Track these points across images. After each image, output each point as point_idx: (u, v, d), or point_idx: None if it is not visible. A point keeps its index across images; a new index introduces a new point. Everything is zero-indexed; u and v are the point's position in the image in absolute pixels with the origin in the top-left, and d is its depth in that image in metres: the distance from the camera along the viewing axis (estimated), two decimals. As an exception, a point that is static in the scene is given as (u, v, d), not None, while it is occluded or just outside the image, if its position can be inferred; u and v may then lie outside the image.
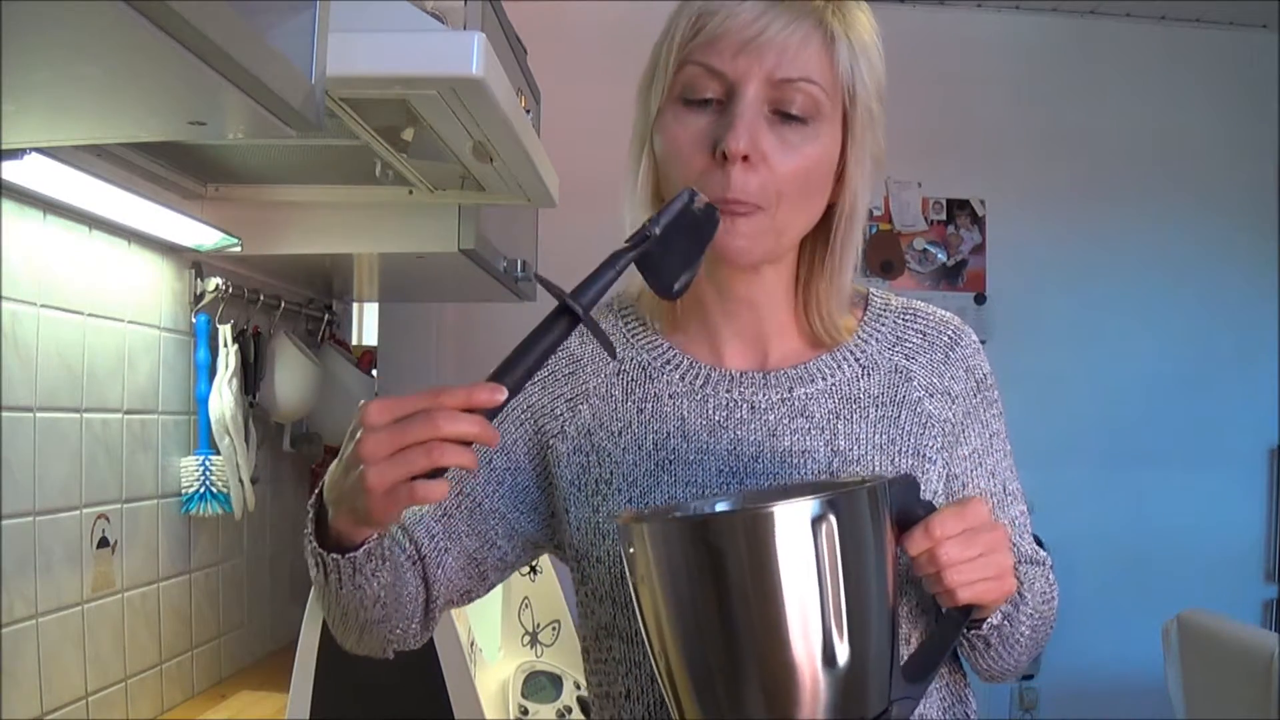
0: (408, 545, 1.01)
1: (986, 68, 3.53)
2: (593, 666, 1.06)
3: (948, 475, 1.01)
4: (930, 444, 1.00)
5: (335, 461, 0.84)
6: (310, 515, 0.90)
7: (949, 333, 1.05)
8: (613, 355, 0.93)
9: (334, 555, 0.87)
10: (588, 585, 1.01)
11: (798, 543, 0.73)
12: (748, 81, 0.91)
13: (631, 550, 0.78)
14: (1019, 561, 0.99)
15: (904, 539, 0.81)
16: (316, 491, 0.89)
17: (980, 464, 1.03)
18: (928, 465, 0.99)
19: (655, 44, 0.97)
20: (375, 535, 0.88)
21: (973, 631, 0.95)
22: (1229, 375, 3.52)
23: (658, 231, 0.83)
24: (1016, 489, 1.07)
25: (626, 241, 0.84)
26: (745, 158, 0.90)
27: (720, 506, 0.90)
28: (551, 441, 1.03)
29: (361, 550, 0.87)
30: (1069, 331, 3.49)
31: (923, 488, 0.97)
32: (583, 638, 1.07)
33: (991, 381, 1.06)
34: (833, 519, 0.73)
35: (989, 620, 0.94)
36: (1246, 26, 3.54)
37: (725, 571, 0.74)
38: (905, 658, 0.86)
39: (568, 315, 0.81)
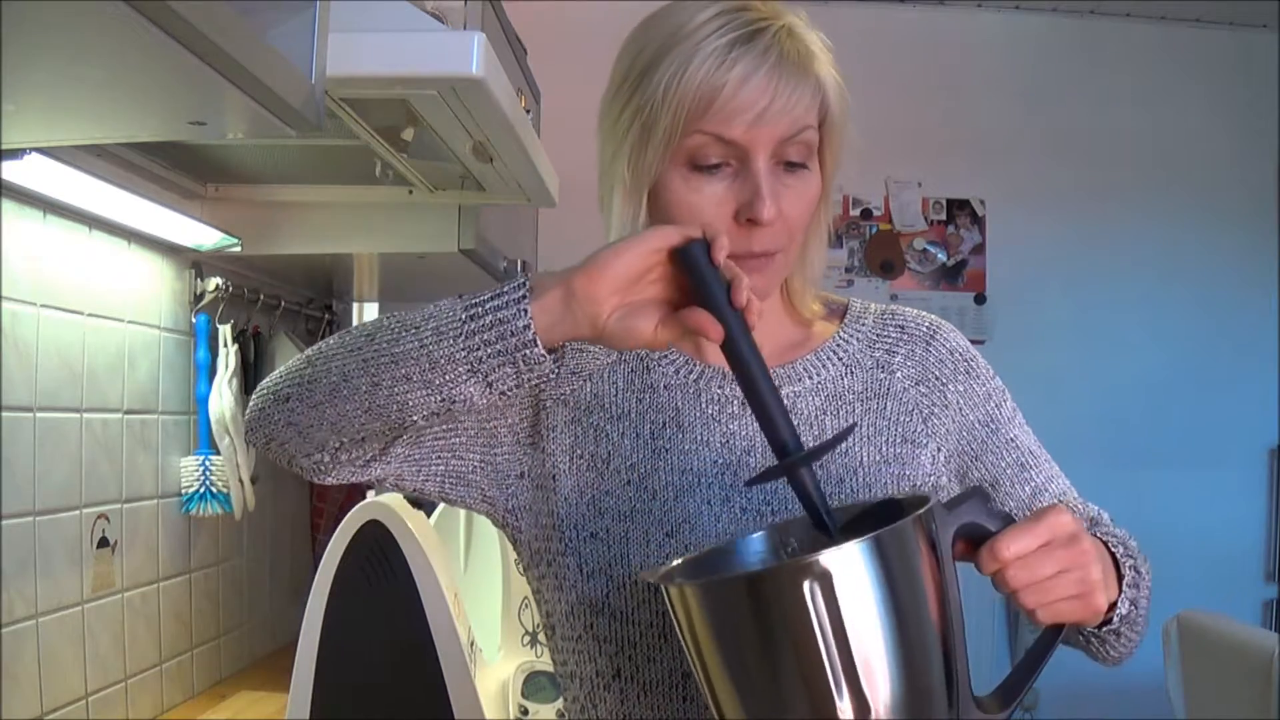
0: None
1: (986, 68, 3.52)
2: (561, 645, 1.04)
3: (956, 454, 1.03)
4: (919, 428, 1.02)
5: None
6: (522, 286, 0.84)
7: (926, 324, 1.08)
8: (756, 481, 0.87)
9: (532, 332, 0.83)
10: (573, 558, 1.00)
11: (846, 586, 0.69)
12: (761, 149, 0.92)
13: (672, 609, 0.76)
14: (1091, 524, 0.92)
15: (976, 559, 0.78)
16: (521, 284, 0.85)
17: (992, 434, 1.05)
18: (917, 450, 1.02)
19: (634, 106, 0.94)
20: (557, 355, 0.86)
21: (1105, 629, 0.91)
22: (1229, 375, 3.52)
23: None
24: (1042, 452, 1.07)
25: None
26: None
27: (755, 539, 0.87)
28: (549, 404, 1.03)
29: (552, 356, 0.85)
30: (1069, 331, 3.49)
31: (910, 474, 1.00)
32: (548, 615, 1.06)
33: (982, 362, 1.08)
34: (875, 559, 0.70)
35: (1118, 611, 0.89)
36: (1246, 26, 3.54)
37: (767, 624, 0.71)
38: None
39: (783, 449, 0.80)
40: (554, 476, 1.02)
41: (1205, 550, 3.42)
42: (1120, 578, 0.90)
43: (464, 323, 0.85)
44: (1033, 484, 1.04)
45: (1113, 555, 0.90)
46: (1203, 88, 3.54)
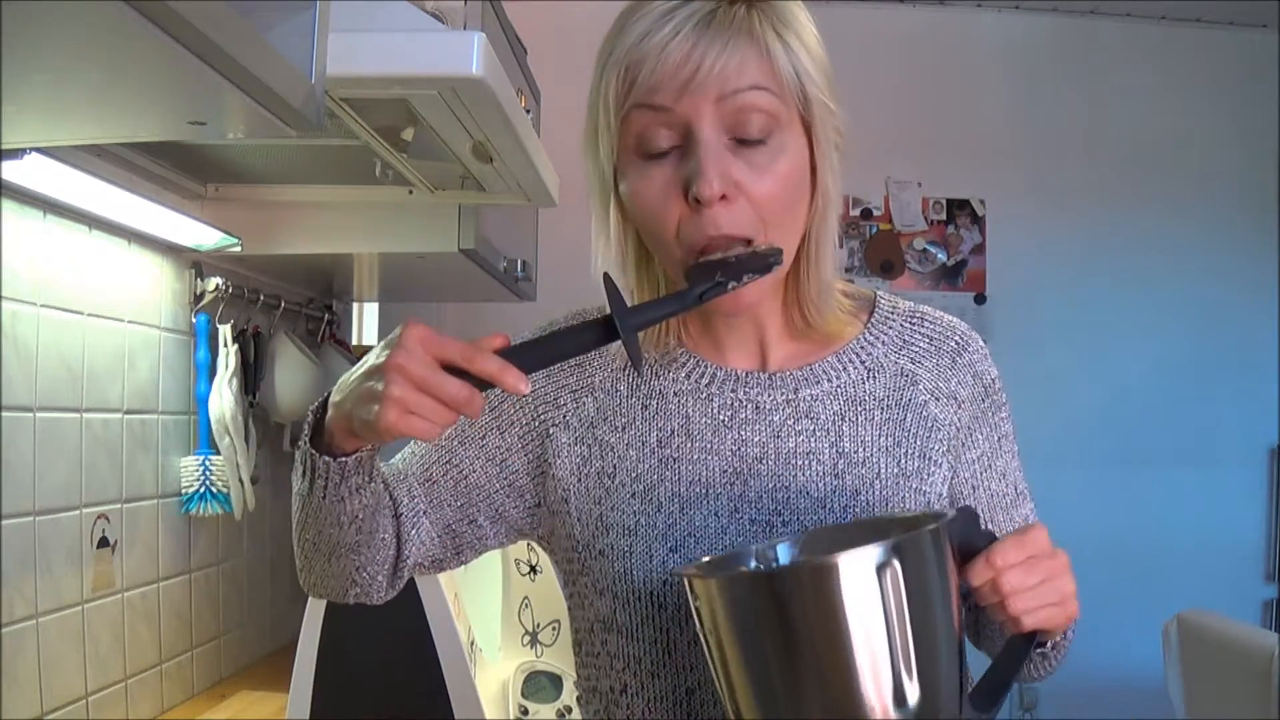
0: (387, 499, 0.99)
1: (986, 68, 3.53)
2: (584, 660, 1.05)
3: (954, 479, 1.02)
4: (936, 447, 1.00)
5: (356, 367, 0.85)
6: (309, 419, 0.91)
7: (956, 338, 1.04)
8: (638, 368, 0.90)
9: (325, 458, 0.89)
10: (587, 577, 1.00)
11: (863, 590, 0.74)
12: (700, 118, 0.88)
13: (697, 604, 0.79)
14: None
15: (966, 570, 0.81)
16: (321, 399, 0.91)
17: (990, 466, 1.04)
18: (932, 468, 0.99)
19: (589, 104, 0.95)
20: (368, 447, 0.89)
21: (1037, 650, 0.92)
22: (1229, 375, 3.52)
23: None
24: (1025, 489, 1.08)
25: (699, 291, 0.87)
26: (723, 196, 0.88)
27: (781, 549, 0.90)
28: (552, 430, 1.02)
29: (352, 457, 0.89)
30: (1069, 331, 3.49)
31: (926, 490, 0.98)
32: (575, 630, 1.07)
33: (1000, 386, 1.06)
34: (897, 564, 0.74)
35: (1053, 639, 0.92)
36: (1246, 26, 3.54)
37: (793, 623, 0.74)
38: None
39: (608, 328, 0.84)
40: (565, 500, 1.01)
41: (1205, 550, 3.42)
42: None
43: (300, 478, 0.94)
44: (1014, 524, 1.05)
45: None
46: (1203, 88, 3.54)
